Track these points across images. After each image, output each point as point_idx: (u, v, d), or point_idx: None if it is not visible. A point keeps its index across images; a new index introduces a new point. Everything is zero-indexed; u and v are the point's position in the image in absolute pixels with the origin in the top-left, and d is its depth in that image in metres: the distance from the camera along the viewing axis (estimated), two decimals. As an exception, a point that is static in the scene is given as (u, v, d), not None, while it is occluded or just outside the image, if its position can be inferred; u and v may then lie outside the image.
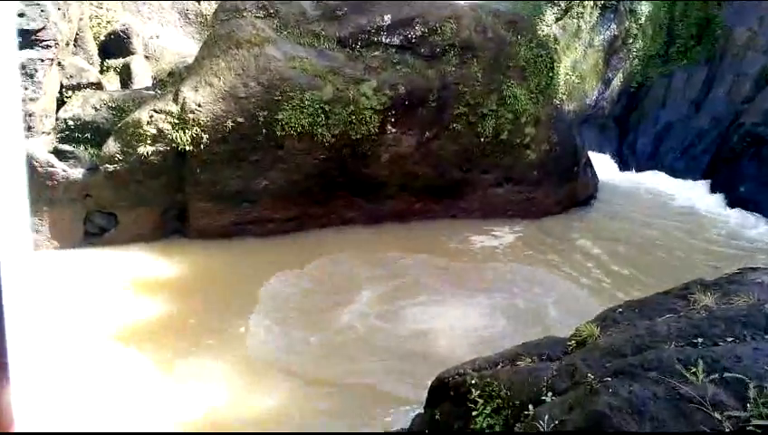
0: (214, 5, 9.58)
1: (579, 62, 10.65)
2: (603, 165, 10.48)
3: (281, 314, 6.10)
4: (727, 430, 1.98)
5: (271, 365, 5.31)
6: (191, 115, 7.51)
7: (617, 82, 11.57)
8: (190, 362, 5.29)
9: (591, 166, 9.64)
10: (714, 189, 9.75)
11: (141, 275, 6.86)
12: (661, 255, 7.65)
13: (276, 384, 5.02)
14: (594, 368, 2.62)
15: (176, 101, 7.61)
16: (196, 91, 7.68)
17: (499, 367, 3.23)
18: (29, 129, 7.77)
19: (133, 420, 4.63)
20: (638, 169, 10.81)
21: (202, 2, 10.00)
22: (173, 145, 7.44)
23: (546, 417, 2.54)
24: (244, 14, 8.23)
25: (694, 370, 2.22)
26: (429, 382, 3.51)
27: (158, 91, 8.28)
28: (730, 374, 2.12)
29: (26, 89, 7.67)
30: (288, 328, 5.84)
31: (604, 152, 11.16)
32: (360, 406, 4.89)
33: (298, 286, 6.73)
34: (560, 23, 10.50)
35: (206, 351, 5.44)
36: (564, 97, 9.88)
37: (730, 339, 2.48)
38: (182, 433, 4.76)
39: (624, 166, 11.01)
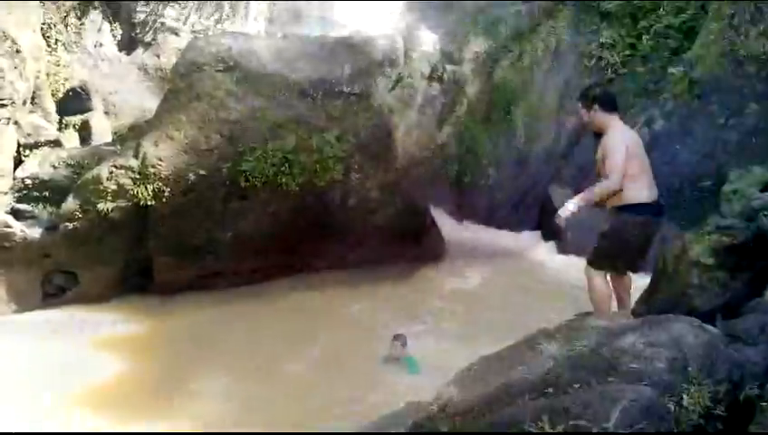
0: (173, 60, 9.62)
1: (412, 129, 11.06)
2: (447, 224, 10.55)
3: (241, 371, 5.94)
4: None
5: (231, 425, 5.15)
6: (152, 170, 7.44)
7: (451, 145, 11.88)
8: (148, 424, 5.10)
9: (436, 225, 9.71)
10: (545, 238, 10.04)
11: (102, 334, 6.65)
12: (507, 305, 7.65)
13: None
14: (455, 431, 2.65)
15: (136, 156, 7.55)
16: (157, 145, 7.63)
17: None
18: (-15, 189, 7.62)
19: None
20: (477, 225, 11.00)
21: (161, 56, 10.09)
22: (134, 200, 7.34)
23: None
24: (204, 68, 8.27)
25: (541, 424, 2.24)
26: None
27: (119, 147, 8.22)
28: (578, 422, 2.21)
29: (-18, 149, 7.54)
30: (248, 384, 5.69)
31: (448, 211, 11.24)
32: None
33: (261, 339, 6.59)
34: (393, 93, 11.03)
35: (165, 412, 5.26)
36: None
37: (577, 385, 2.52)
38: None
39: (464, 223, 11.15)
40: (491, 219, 11.08)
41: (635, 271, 5.19)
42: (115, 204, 7.29)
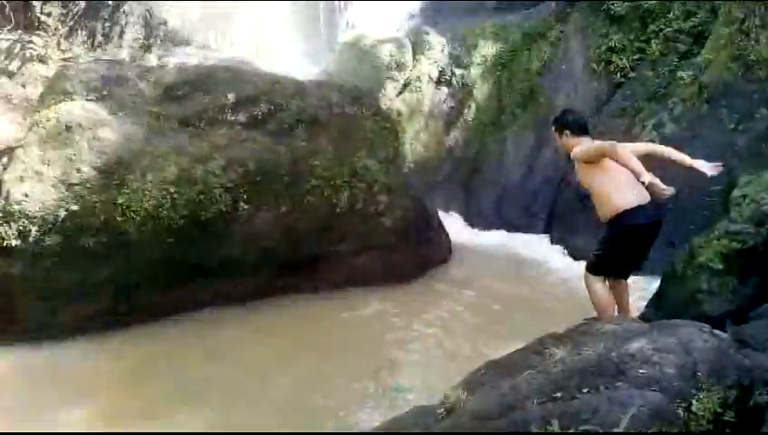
0: (40, 89, 9.04)
1: (421, 132, 11.20)
2: (455, 227, 10.73)
3: (218, 402, 5.72)
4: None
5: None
6: (17, 207, 6.88)
7: (459, 149, 12.16)
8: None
9: (444, 228, 9.92)
10: (552, 242, 10.10)
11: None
12: (515, 309, 7.78)
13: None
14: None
15: (-1, 193, 6.95)
16: (22, 180, 7.09)
17: (373, 446, 3.09)
18: None
19: None
20: (485, 228, 11.13)
21: (27, 86, 9.47)
22: (-4, 241, 6.72)
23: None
24: (74, 98, 7.80)
25: (551, 428, 2.27)
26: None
27: (-23, 184, 7.54)
28: (588, 427, 2.24)
29: None
30: (228, 417, 5.47)
31: (454, 214, 11.56)
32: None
33: (221, 370, 6.29)
34: (401, 97, 11.07)
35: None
36: (412, 165, 10.20)
37: (586, 390, 2.53)
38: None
39: (472, 226, 11.31)
40: (499, 222, 11.08)
41: (626, 277, 5.10)
42: (-29, 246, 6.63)
